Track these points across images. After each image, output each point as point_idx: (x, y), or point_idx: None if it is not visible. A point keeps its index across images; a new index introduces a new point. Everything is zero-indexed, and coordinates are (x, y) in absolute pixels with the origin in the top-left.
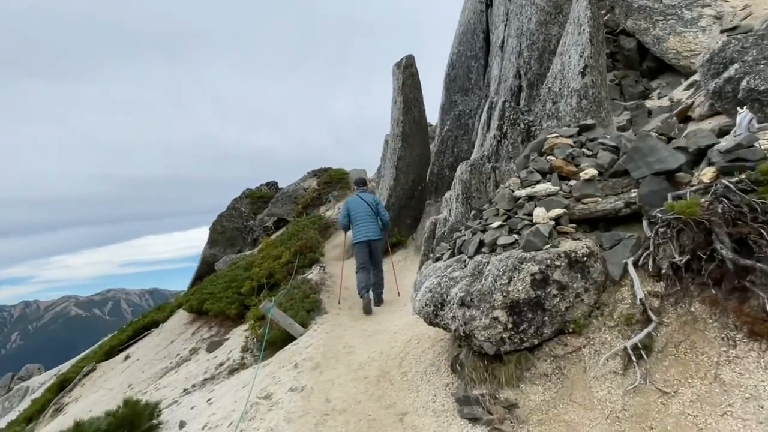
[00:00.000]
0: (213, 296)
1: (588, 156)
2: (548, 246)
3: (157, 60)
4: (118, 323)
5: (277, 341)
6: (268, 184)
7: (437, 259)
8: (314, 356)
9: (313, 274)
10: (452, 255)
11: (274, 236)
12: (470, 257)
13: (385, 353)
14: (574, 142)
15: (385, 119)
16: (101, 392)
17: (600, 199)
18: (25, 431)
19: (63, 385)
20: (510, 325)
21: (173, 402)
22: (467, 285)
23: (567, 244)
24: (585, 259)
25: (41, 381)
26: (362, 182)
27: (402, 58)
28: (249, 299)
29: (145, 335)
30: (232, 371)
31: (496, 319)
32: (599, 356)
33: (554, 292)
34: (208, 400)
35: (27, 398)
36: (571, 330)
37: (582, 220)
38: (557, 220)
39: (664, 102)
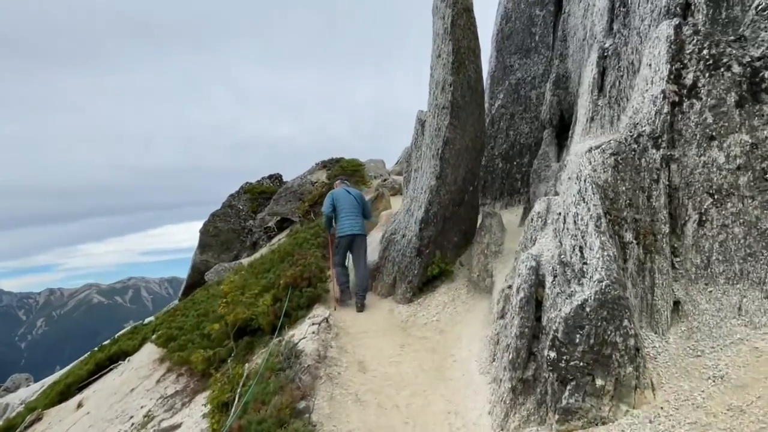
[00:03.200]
0: (182, 332)
1: None
2: None
3: (176, 49)
4: (139, 311)
5: None
6: (270, 177)
7: None
8: None
9: (308, 337)
10: None
11: (263, 250)
12: None
13: None
14: None
15: (406, 108)
16: None
17: None
18: None
19: None
20: None
21: None
22: None
23: None
24: None
25: (23, 397)
26: (345, 176)
27: None
28: (220, 350)
29: (112, 369)
30: None
31: None
32: None
33: None
34: None
35: (4, 417)
36: None
37: None
38: None
39: None
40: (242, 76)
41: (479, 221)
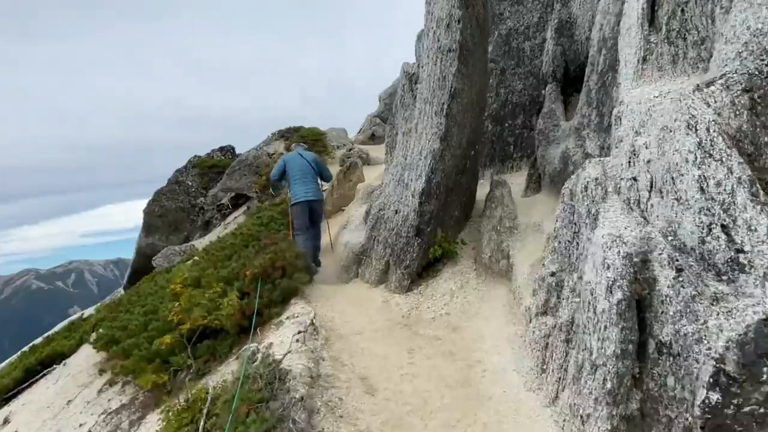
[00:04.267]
0: (125, 334)
1: None
2: None
3: (117, 16)
4: (83, 295)
5: None
6: (222, 149)
7: None
8: None
9: (292, 349)
10: None
11: (218, 229)
12: None
13: None
14: None
15: (359, 77)
16: None
17: None
18: None
19: None
20: None
21: None
22: None
23: None
24: None
25: None
26: (303, 142)
27: None
28: (174, 358)
29: (45, 374)
30: None
31: None
32: None
33: None
34: None
35: None
36: None
37: None
38: None
39: None
40: (188, 46)
41: (487, 191)
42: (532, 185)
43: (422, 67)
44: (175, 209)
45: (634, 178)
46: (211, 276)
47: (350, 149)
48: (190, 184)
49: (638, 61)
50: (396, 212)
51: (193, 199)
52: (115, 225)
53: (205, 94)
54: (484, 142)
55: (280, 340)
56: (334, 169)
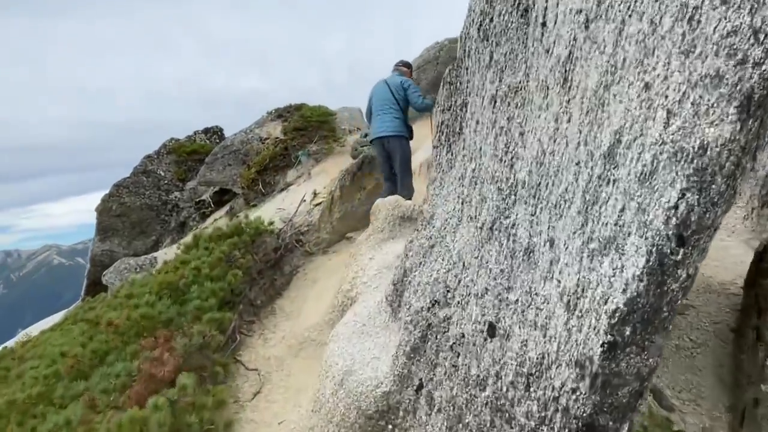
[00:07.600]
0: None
1: None
2: None
3: None
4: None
5: None
6: (206, 131)
7: None
8: None
9: None
10: None
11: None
12: None
13: None
14: None
15: (380, 59)
16: None
17: None
18: None
19: None
20: None
21: None
22: None
23: None
24: None
25: None
26: (401, 63)
27: None
28: None
29: None
30: None
31: None
32: None
33: None
34: None
35: None
36: None
37: None
38: None
39: None
40: (209, 25)
41: None
42: None
43: None
44: (141, 207)
45: None
46: None
47: (366, 135)
48: (163, 174)
49: None
50: (490, 334)
51: (166, 194)
52: None
53: (226, 74)
54: None
55: None
56: (346, 161)
